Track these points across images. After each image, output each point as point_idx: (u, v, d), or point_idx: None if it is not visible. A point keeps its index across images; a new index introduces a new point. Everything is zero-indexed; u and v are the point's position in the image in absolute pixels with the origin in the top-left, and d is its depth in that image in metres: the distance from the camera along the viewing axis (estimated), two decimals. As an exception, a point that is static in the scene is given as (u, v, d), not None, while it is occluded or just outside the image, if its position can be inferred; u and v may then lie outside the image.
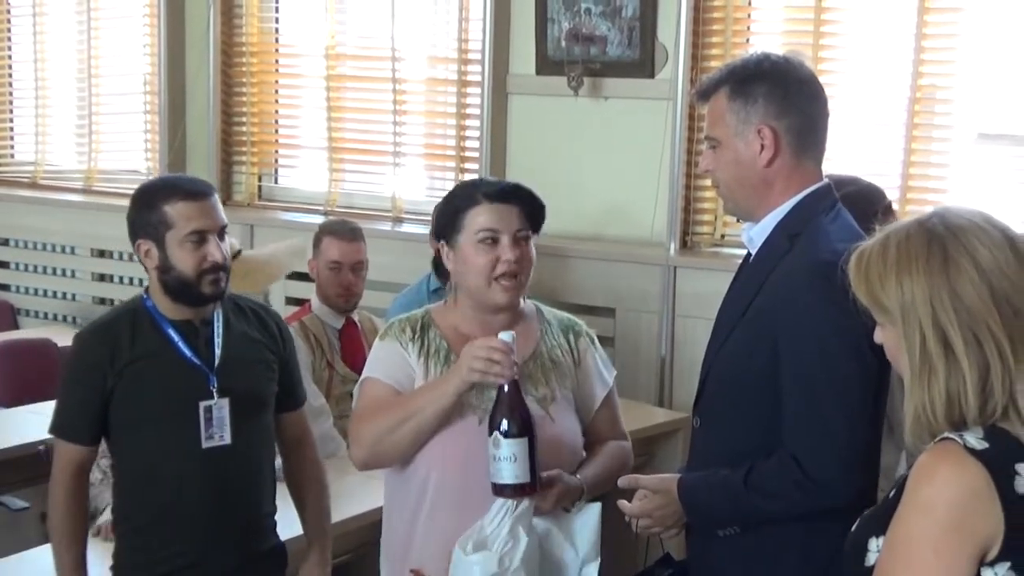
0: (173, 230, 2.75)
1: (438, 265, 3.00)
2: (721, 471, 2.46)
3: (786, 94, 2.47)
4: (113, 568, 2.88)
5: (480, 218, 2.72)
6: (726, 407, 2.53)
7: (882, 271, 1.77)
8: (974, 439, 1.67)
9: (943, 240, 1.74)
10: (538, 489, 2.59)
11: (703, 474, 2.53)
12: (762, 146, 2.45)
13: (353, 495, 3.54)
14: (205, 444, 2.80)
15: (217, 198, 2.88)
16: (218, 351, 2.85)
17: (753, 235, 2.55)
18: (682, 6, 4.95)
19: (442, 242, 2.79)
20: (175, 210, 2.76)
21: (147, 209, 2.80)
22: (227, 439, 2.83)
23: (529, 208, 2.77)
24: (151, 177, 6.34)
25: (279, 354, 2.99)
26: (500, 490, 2.55)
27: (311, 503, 3.10)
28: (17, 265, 6.77)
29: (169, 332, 2.81)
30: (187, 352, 2.81)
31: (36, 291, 6.66)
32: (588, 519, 2.75)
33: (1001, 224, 1.79)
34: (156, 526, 2.83)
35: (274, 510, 3.02)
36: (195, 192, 2.82)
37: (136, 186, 5.95)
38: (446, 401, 2.62)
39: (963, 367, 1.70)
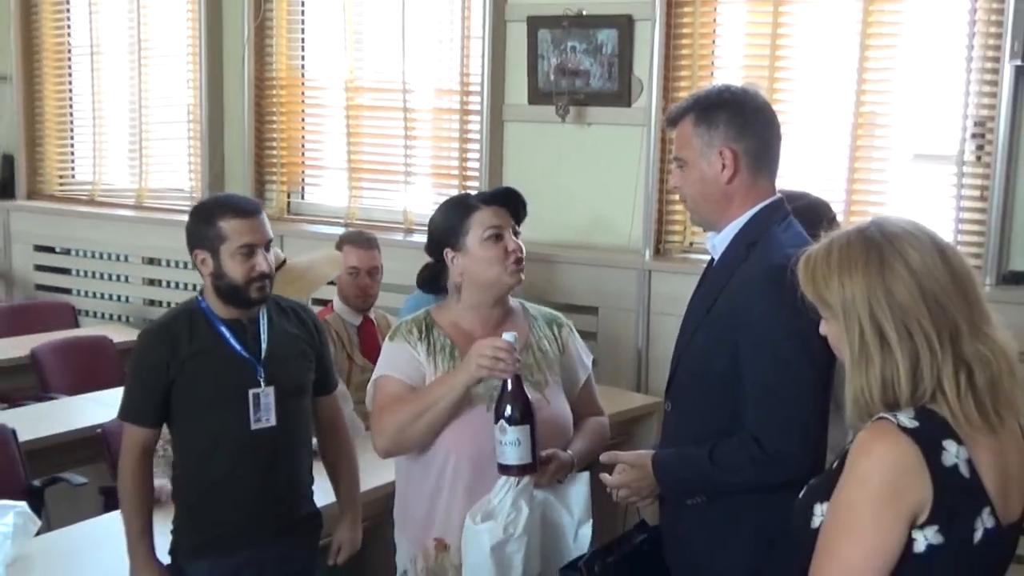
0: (227, 243, 2.78)
1: (428, 280, 2.94)
2: (690, 448, 2.47)
3: (744, 120, 2.47)
4: (173, 532, 2.89)
5: (485, 219, 2.74)
6: (694, 395, 2.54)
7: (826, 272, 1.78)
8: (906, 418, 1.68)
9: (879, 246, 1.75)
10: (538, 468, 2.62)
11: (674, 450, 2.53)
12: (723, 165, 2.45)
13: (369, 471, 3.52)
14: (254, 426, 2.82)
15: (265, 216, 2.90)
16: (264, 345, 2.87)
17: (716, 243, 2.55)
18: (655, 45, 4.96)
19: (447, 250, 2.79)
20: (229, 226, 2.78)
21: (204, 224, 2.82)
22: (273, 421, 2.85)
23: (515, 208, 2.82)
24: (195, 195, 6.37)
25: (315, 347, 3.01)
26: (506, 470, 2.58)
27: (343, 475, 3.12)
28: (78, 271, 6.76)
29: (222, 330, 2.84)
30: (237, 347, 2.84)
31: (94, 294, 6.66)
32: (579, 487, 2.78)
33: (930, 231, 1.80)
34: (212, 497, 2.85)
35: (311, 481, 3.04)
36: (246, 210, 2.84)
37: (182, 202, 5.98)
38: (456, 394, 2.63)
39: (896, 356, 1.70)
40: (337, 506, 3.14)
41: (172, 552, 2.87)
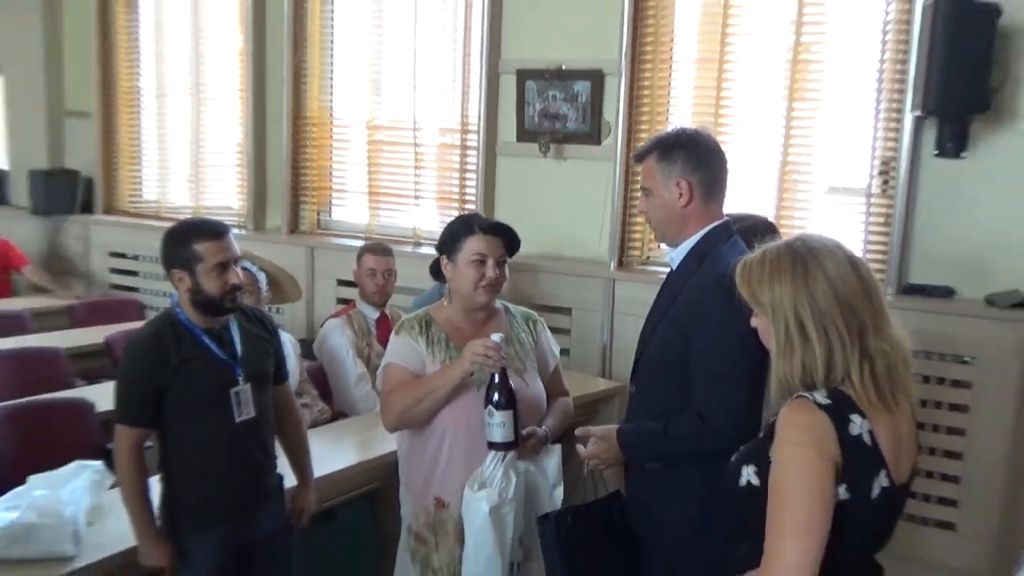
0: (203, 263, 2.65)
1: (436, 271, 2.98)
2: (648, 423, 2.49)
3: (698, 158, 2.49)
4: (168, 514, 2.74)
5: (475, 244, 2.74)
6: (654, 378, 2.55)
7: (760, 277, 1.79)
8: (821, 397, 1.70)
9: (804, 258, 1.77)
10: (519, 445, 2.64)
11: (635, 425, 2.55)
12: (680, 194, 2.47)
13: (382, 440, 3.54)
14: (238, 419, 2.73)
15: (231, 235, 2.75)
16: (238, 348, 2.77)
17: (674, 256, 2.57)
18: (621, 94, 4.98)
19: (444, 256, 2.81)
20: (203, 247, 2.65)
21: (180, 246, 2.68)
22: (252, 413, 2.76)
23: (509, 241, 2.81)
24: (242, 212, 6.38)
25: (273, 344, 2.93)
26: (493, 446, 2.61)
27: (297, 450, 3.04)
28: (144, 274, 6.76)
29: (203, 338, 2.71)
30: (218, 352, 2.73)
31: (157, 292, 6.65)
32: (553, 457, 2.81)
33: (845, 248, 1.82)
34: (205, 481, 2.73)
35: (276, 452, 2.94)
36: (217, 232, 2.70)
37: (230, 218, 5.94)
38: (453, 384, 2.65)
39: (815, 348, 1.72)
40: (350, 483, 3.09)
41: (171, 531, 2.72)
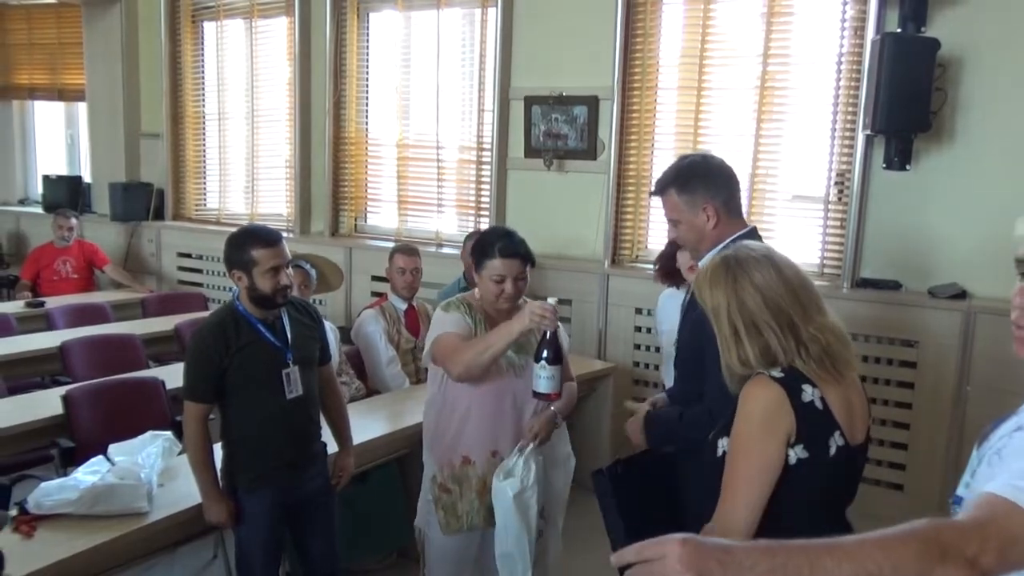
0: (258, 266, 2.65)
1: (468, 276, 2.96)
2: (670, 410, 2.37)
3: (715, 182, 2.35)
4: (228, 475, 2.76)
5: (495, 267, 2.72)
6: (686, 368, 2.43)
7: (703, 286, 1.82)
8: (775, 372, 1.72)
9: (734, 268, 1.78)
10: (560, 396, 2.59)
11: (659, 412, 2.42)
12: (708, 217, 2.34)
13: (408, 414, 3.55)
14: (288, 396, 2.73)
15: (284, 242, 2.73)
16: (289, 335, 2.77)
17: (703, 263, 2.45)
18: (613, 117, 4.97)
19: (476, 268, 2.79)
20: (259, 253, 2.65)
21: (239, 250, 2.68)
22: (300, 391, 2.76)
23: (525, 259, 2.77)
24: (290, 219, 6.37)
25: (318, 331, 2.92)
26: (538, 395, 2.55)
27: (338, 420, 3.04)
28: (207, 271, 6.77)
29: (259, 327, 2.72)
30: (272, 339, 2.73)
31: (218, 287, 6.67)
32: (562, 435, 2.84)
33: (774, 256, 1.82)
34: (260, 447, 2.74)
35: (320, 423, 2.95)
36: (271, 241, 2.68)
37: (280, 224, 5.92)
38: (512, 337, 2.60)
39: (746, 345, 1.74)
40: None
41: (230, 489, 2.74)
